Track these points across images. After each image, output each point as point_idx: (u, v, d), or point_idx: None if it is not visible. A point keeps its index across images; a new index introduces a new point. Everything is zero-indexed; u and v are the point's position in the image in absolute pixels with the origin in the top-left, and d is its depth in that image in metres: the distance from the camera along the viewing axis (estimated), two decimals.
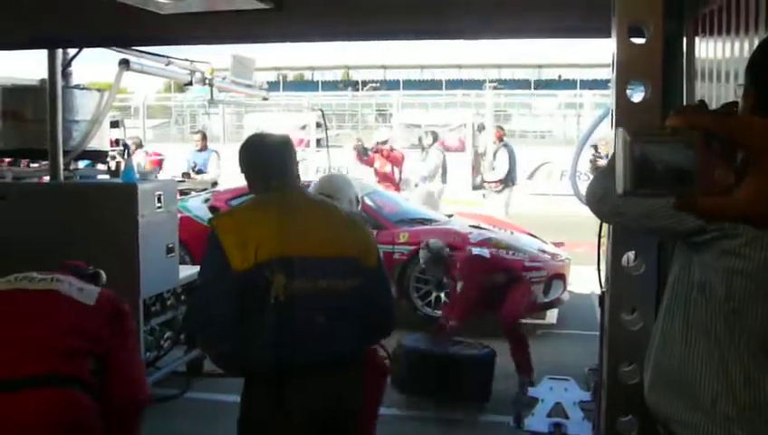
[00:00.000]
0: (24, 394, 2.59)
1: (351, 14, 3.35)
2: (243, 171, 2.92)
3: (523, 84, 43.20)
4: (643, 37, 2.43)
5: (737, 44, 2.94)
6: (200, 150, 12.89)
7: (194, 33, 3.66)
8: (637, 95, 2.50)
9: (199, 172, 12.12)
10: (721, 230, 1.74)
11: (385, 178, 11.64)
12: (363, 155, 12.07)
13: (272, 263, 2.58)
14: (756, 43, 2.65)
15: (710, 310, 1.81)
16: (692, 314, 1.85)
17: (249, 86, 9.78)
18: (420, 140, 13.54)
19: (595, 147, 11.75)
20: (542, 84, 43.72)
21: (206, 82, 8.11)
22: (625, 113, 2.48)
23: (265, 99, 11.08)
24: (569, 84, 39.17)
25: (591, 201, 2.01)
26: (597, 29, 2.73)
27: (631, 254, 2.55)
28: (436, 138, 13.21)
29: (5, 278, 3.02)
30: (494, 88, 32.11)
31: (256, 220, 2.70)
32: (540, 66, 47.49)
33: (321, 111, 13.86)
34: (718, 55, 3.04)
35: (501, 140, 14.02)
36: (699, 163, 0.91)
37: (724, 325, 1.79)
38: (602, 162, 11.21)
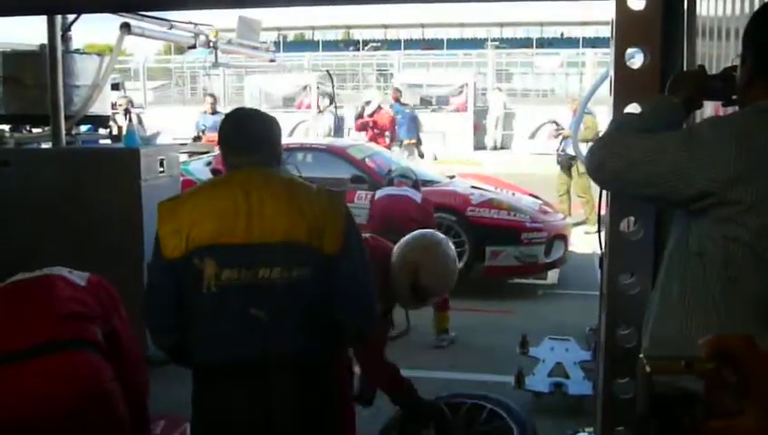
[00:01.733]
0: (35, 362, 2.58)
1: None
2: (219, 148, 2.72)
3: (526, 43, 42.84)
4: (642, 3, 2.43)
5: (738, 3, 2.94)
6: (212, 114, 12.88)
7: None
8: (635, 62, 2.50)
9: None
10: (719, 197, 1.77)
11: (374, 140, 11.65)
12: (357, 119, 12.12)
13: (202, 250, 2.34)
14: (756, 2, 2.66)
15: (707, 277, 1.84)
16: (689, 280, 1.88)
17: (255, 48, 9.71)
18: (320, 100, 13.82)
19: (555, 122, 11.71)
20: (544, 43, 43.37)
21: (211, 44, 8.07)
22: (624, 80, 2.49)
23: (272, 61, 11.00)
24: (571, 42, 38.87)
25: (591, 169, 2.03)
26: None
27: (630, 219, 2.58)
28: (332, 100, 13.47)
29: None
30: (496, 47, 31.85)
31: (195, 205, 2.45)
32: (542, 24, 47.04)
33: (329, 72, 13.72)
34: (719, 13, 3.04)
35: (397, 101, 14.45)
36: (708, 392, 1.08)
37: (721, 292, 1.82)
38: (566, 132, 11.16)
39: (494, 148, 21.64)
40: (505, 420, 3.62)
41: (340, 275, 2.41)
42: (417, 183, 7.10)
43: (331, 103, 14.48)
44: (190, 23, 7.37)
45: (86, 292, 2.91)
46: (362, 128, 11.82)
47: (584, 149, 11.11)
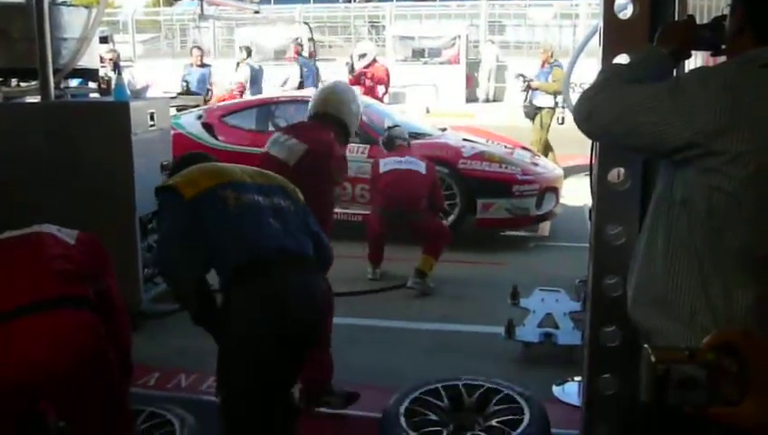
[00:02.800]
0: (25, 321, 2.58)
1: None
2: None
3: None
4: None
5: None
6: (199, 66, 12.75)
7: None
8: (625, 12, 2.50)
9: (190, 91, 11.90)
10: (705, 147, 1.78)
11: (368, 94, 11.56)
12: (350, 73, 11.99)
13: (219, 185, 2.94)
14: None
15: (691, 226, 1.86)
16: (674, 230, 1.90)
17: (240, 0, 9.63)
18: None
19: (523, 76, 11.67)
20: None
21: None
22: (613, 31, 2.49)
23: (257, 12, 10.92)
24: None
25: (578, 119, 2.03)
26: None
27: (618, 170, 2.59)
28: (249, 53, 13.78)
29: None
30: None
31: (201, 168, 3.11)
32: None
33: (307, 24, 13.68)
34: None
35: (299, 54, 15.06)
36: (710, 381, 1.18)
37: (704, 242, 1.84)
38: (536, 83, 11.14)
39: (487, 100, 21.55)
40: (519, 403, 3.68)
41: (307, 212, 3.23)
42: (408, 142, 7.15)
43: (300, 55, 14.64)
44: None
45: (76, 249, 2.92)
46: (357, 81, 11.72)
47: (544, 97, 11.23)
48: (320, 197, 4.04)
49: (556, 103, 11.04)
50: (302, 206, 3.17)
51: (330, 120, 4.49)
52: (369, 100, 9.73)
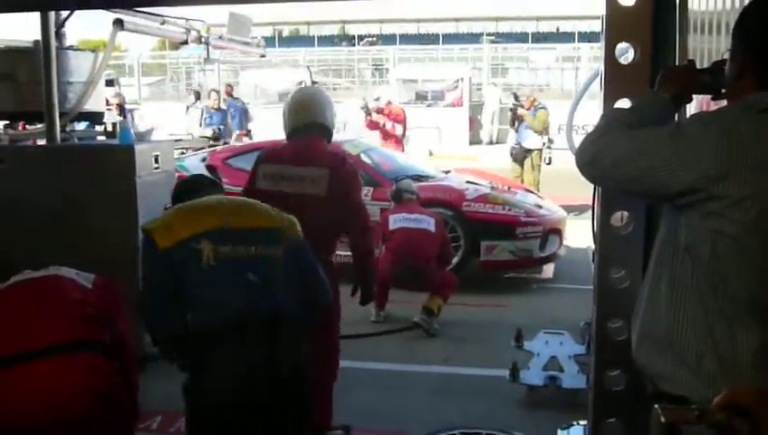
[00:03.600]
0: (49, 362, 2.61)
1: None
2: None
3: (521, 37, 42.80)
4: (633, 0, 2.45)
5: (726, 2, 2.95)
6: (216, 110, 12.95)
7: None
8: (626, 57, 2.52)
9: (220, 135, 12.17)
10: (707, 192, 1.78)
11: (387, 135, 11.60)
12: (367, 116, 12.00)
13: (197, 235, 2.76)
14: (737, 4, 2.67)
15: (696, 271, 1.85)
16: (678, 274, 1.90)
17: (246, 44, 9.74)
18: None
19: (515, 95, 11.86)
20: (540, 37, 43.31)
21: (202, 40, 8.09)
22: (614, 75, 2.51)
23: (263, 56, 11.04)
24: (567, 37, 38.84)
25: (580, 164, 2.04)
26: None
27: (621, 213, 2.60)
28: (198, 97, 14.68)
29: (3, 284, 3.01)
30: (492, 42, 31.85)
31: (181, 209, 2.98)
32: (538, 18, 47.04)
33: (308, 67, 13.89)
34: (710, 8, 3.05)
35: (230, 95, 15.77)
36: None
37: (709, 286, 1.84)
38: (522, 111, 11.32)
39: (491, 142, 21.65)
40: None
41: (303, 252, 3.03)
42: (417, 195, 7.11)
43: (230, 96, 15.11)
44: (182, 18, 7.37)
45: (93, 294, 2.94)
46: (375, 124, 11.77)
47: (533, 138, 11.42)
48: (357, 209, 4.09)
49: (543, 144, 11.27)
50: (296, 244, 2.96)
51: (318, 130, 4.14)
52: (371, 143, 9.79)
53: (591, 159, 2.00)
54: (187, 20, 7.55)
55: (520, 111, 11.47)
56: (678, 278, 1.90)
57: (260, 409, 2.69)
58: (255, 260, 2.80)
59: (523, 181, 11.12)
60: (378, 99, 12.35)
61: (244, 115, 15.31)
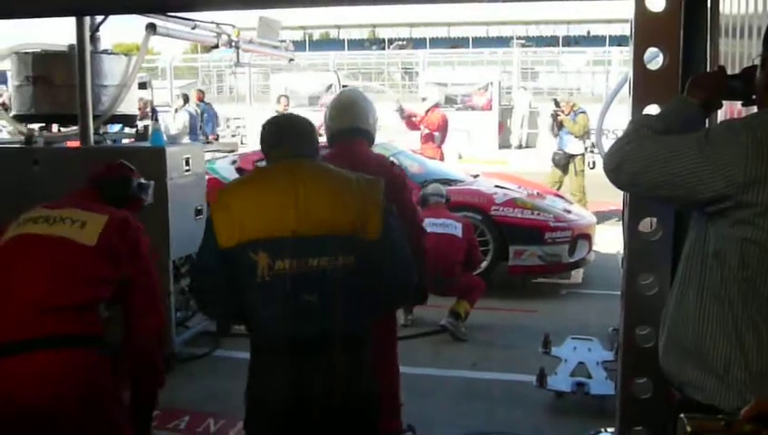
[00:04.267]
0: (22, 358, 2.57)
1: None
2: (261, 148, 2.94)
3: (552, 41, 42.68)
4: (662, 4, 2.43)
5: (759, 3, 2.93)
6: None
7: (214, 1, 3.70)
8: (655, 62, 2.51)
9: None
10: (736, 200, 1.77)
11: (426, 140, 11.47)
12: (402, 117, 11.83)
13: (256, 243, 2.54)
14: None
15: (724, 278, 1.85)
16: (707, 281, 1.89)
17: (275, 47, 9.81)
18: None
19: (556, 101, 11.75)
20: (570, 41, 43.16)
21: (233, 44, 8.16)
22: (642, 81, 2.50)
23: (291, 60, 11.10)
24: (597, 41, 38.66)
25: (608, 169, 2.04)
26: None
27: (649, 219, 2.58)
28: (186, 100, 14.81)
29: (16, 221, 2.95)
30: (522, 45, 31.76)
31: (247, 196, 2.65)
32: (569, 22, 46.80)
33: (336, 72, 13.92)
34: (742, 11, 3.02)
35: (201, 100, 16.13)
36: None
37: (737, 293, 1.83)
38: (563, 117, 11.21)
39: (520, 146, 21.56)
40: None
41: (383, 254, 2.64)
42: (446, 198, 7.07)
43: (202, 102, 15.35)
44: (213, 23, 7.44)
45: (96, 253, 2.83)
46: (412, 126, 11.64)
47: (575, 143, 11.30)
48: (410, 212, 4.04)
49: (586, 148, 11.12)
50: (374, 244, 2.61)
51: (362, 135, 4.02)
52: (400, 146, 9.79)
53: (618, 164, 2.00)
54: (218, 24, 7.62)
55: (561, 116, 11.37)
56: (707, 286, 1.89)
57: (322, 425, 2.57)
58: (318, 275, 2.54)
59: (560, 187, 11.01)
60: (424, 99, 12.20)
61: (216, 119, 16.25)
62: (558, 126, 11.44)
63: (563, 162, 11.28)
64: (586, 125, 11.10)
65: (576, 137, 11.12)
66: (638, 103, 2.48)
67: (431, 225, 6.68)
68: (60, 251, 2.82)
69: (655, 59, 2.51)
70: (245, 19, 9.04)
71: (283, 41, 10.27)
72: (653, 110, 2.38)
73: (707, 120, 2.34)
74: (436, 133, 11.39)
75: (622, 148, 2.02)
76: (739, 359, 1.82)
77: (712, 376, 1.86)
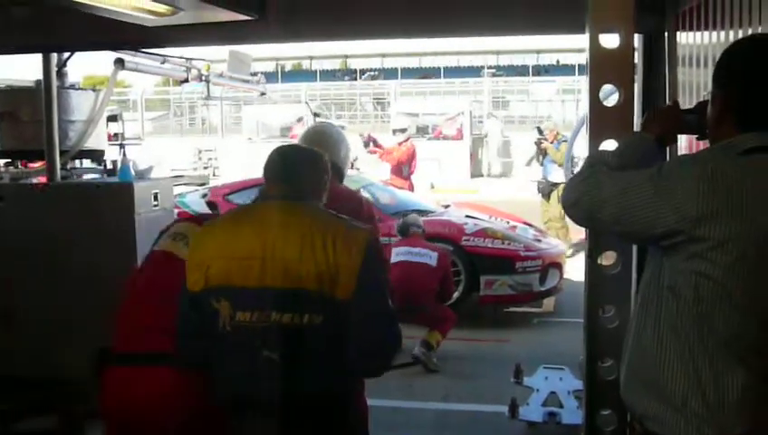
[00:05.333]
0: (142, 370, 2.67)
1: (336, 18, 3.42)
2: None
3: (522, 70, 43.15)
4: (615, 41, 2.48)
5: (714, 35, 2.99)
6: None
7: (181, 38, 3.72)
8: (610, 99, 2.55)
9: None
10: (689, 234, 1.80)
11: (396, 171, 11.49)
12: (365, 147, 11.90)
13: (219, 290, 2.37)
14: (732, 37, 2.71)
15: (680, 312, 1.87)
16: (663, 315, 1.91)
17: (246, 81, 9.83)
18: None
19: (539, 129, 11.89)
20: (540, 70, 43.67)
21: (203, 78, 8.17)
22: (598, 117, 2.54)
23: (263, 94, 11.13)
24: (567, 69, 39.10)
25: (565, 206, 2.07)
26: (573, 25, 2.76)
27: (609, 253, 2.61)
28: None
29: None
30: (493, 75, 32.11)
31: (218, 238, 2.48)
32: (538, 51, 47.37)
33: (308, 103, 13.94)
34: (698, 41, 3.08)
35: None
36: None
37: (693, 327, 1.85)
38: (547, 145, 11.32)
39: (498, 175, 21.59)
40: None
41: (353, 319, 2.36)
42: (423, 229, 7.09)
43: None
44: (183, 57, 7.44)
45: None
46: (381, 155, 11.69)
47: (558, 172, 11.37)
48: None
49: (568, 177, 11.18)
50: (339, 304, 2.34)
51: (332, 169, 3.98)
52: (371, 178, 9.83)
53: (575, 201, 2.02)
54: (188, 59, 7.62)
55: (544, 144, 11.44)
56: (663, 319, 1.91)
57: None
58: (280, 331, 2.33)
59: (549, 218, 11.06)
60: (403, 130, 12.22)
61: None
62: (542, 154, 11.51)
63: (548, 191, 11.33)
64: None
65: (559, 165, 11.17)
66: (595, 139, 2.51)
67: (407, 253, 6.70)
68: None
69: (611, 95, 2.55)
70: (218, 52, 9.07)
71: (254, 74, 10.30)
72: (609, 145, 2.41)
73: (668, 154, 2.38)
74: (404, 165, 11.47)
75: (579, 184, 2.04)
76: (696, 392, 1.84)
77: (670, 409, 1.88)
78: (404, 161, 11.49)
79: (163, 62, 6.92)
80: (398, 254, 6.74)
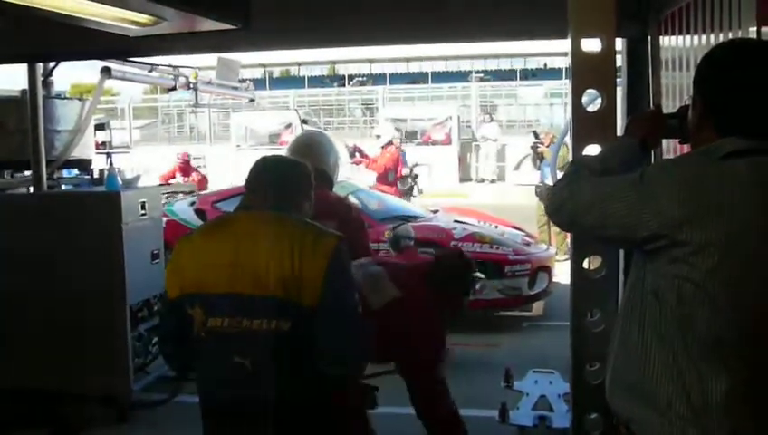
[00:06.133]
0: None
1: (320, 26, 3.42)
2: None
3: (510, 74, 43.23)
4: (597, 46, 2.49)
5: (696, 39, 3.02)
6: None
7: (166, 47, 3.72)
8: (593, 104, 2.56)
9: None
10: (670, 239, 1.81)
11: (382, 177, 11.52)
12: (350, 157, 11.93)
13: (193, 296, 2.44)
14: (714, 40, 2.74)
15: (663, 315, 1.87)
16: (647, 319, 1.92)
17: (235, 88, 9.85)
18: None
19: (535, 133, 11.91)
20: (528, 74, 43.78)
21: (191, 86, 8.18)
22: (582, 122, 2.55)
23: (252, 100, 11.16)
24: (554, 73, 39.23)
25: (549, 211, 2.08)
26: (559, 30, 2.78)
27: (594, 257, 2.62)
28: None
29: None
30: (480, 79, 32.18)
31: (194, 247, 2.55)
32: (526, 56, 47.49)
33: (296, 110, 13.93)
34: (680, 44, 3.11)
35: None
36: None
37: (676, 330, 1.86)
38: (543, 149, 11.36)
39: (496, 180, 21.42)
40: None
41: (320, 326, 2.40)
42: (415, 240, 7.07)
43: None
44: (170, 65, 7.45)
45: None
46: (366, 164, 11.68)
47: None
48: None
49: None
50: (305, 311, 2.38)
51: (320, 177, 3.82)
52: (359, 184, 9.84)
53: (559, 206, 2.03)
54: (176, 67, 7.62)
55: (541, 148, 11.47)
56: (647, 323, 1.92)
57: None
58: (251, 337, 2.38)
59: (548, 221, 11.08)
60: (378, 136, 12.27)
61: None
62: (539, 158, 11.54)
63: (544, 195, 11.35)
64: (566, 157, 11.11)
65: (560, 170, 11.15)
66: (578, 144, 2.53)
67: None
68: None
69: (594, 100, 2.57)
70: (206, 59, 9.06)
71: (243, 80, 10.31)
72: (592, 150, 2.43)
73: (653, 158, 2.39)
74: (391, 171, 11.48)
75: (562, 189, 2.06)
76: (681, 395, 1.85)
77: (655, 412, 1.88)
78: (390, 167, 11.52)
79: (151, 71, 6.94)
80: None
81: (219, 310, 2.40)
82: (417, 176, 12.80)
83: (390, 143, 11.99)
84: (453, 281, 3.86)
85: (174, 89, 7.91)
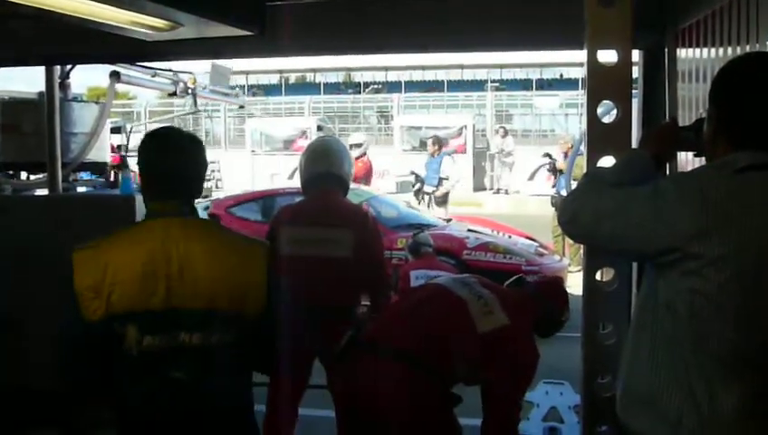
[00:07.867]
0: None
1: (335, 33, 3.44)
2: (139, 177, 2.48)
3: (526, 84, 43.20)
4: (614, 57, 2.49)
5: (713, 51, 3.01)
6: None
7: (181, 51, 3.75)
8: (609, 116, 2.55)
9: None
10: (683, 252, 1.80)
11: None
12: None
13: (123, 316, 2.23)
14: (731, 53, 2.72)
15: (675, 328, 1.87)
16: (659, 332, 1.91)
17: (226, 94, 9.93)
18: None
19: (549, 154, 11.88)
20: (544, 84, 43.72)
21: (189, 91, 8.25)
22: (596, 134, 2.54)
23: (242, 107, 11.24)
24: (570, 84, 39.17)
25: (562, 222, 2.07)
26: (573, 41, 2.77)
27: (606, 269, 2.61)
28: None
29: None
30: (496, 88, 32.16)
31: (115, 263, 2.28)
32: (542, 66, 47.44)
33: (318, 118, 13.86)
34: (697, 56, 3.10)
35: None
36: None
37: (688, 343, 1.85)
38: (560, 164, 11.33)
39: (505, 191, 21.37)
40: None
41: (260, 334, 2.34)
42: (434, 248, 7.03)
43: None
44: (170, 70, 7.51)
45: None
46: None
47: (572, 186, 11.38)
48: (380, 269, 4.00)
49: None
50: (250, 322, 2.31)
51: (335, 183, 3.95)
52: (374, 191, 9.84)
53: (572, 217, 2.03)
54: (175, 72, 7.68)
55: (559, 163, 11.44)
56: (659, 336, 1.91)
57: None
58: (189, 351, 2.24)
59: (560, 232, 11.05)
60: (358, 145, 12.11)
61: None
62: (557, 172, 11.48)
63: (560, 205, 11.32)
64: (584, 167, 11.05)
65: (574, 179, 11.05)
66: (593, 156, 2.52)
67: (425, 277, 6.63)
68: None
69: (610, 111, 2.56)
70: (201, 65, 9.13)
71: (233, 87, 10.39)
72: (607, 162, 2.42)
73: (668, 171, 2.38)
74: (360, 180, 11.37)
75: (575, 200, 2.05)
76: (692, 409, 1.83)
77: (665, 426, 1.87)
78: (360, 176, 11.37)
79: (153, 76, 6.99)
80: (417, 278, 6.64)
81: (155, 327, 2.23)
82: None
83: (364, 154, 11.84)
84: (554, 329, 4.17)
85: (174, 94, 7.98)
